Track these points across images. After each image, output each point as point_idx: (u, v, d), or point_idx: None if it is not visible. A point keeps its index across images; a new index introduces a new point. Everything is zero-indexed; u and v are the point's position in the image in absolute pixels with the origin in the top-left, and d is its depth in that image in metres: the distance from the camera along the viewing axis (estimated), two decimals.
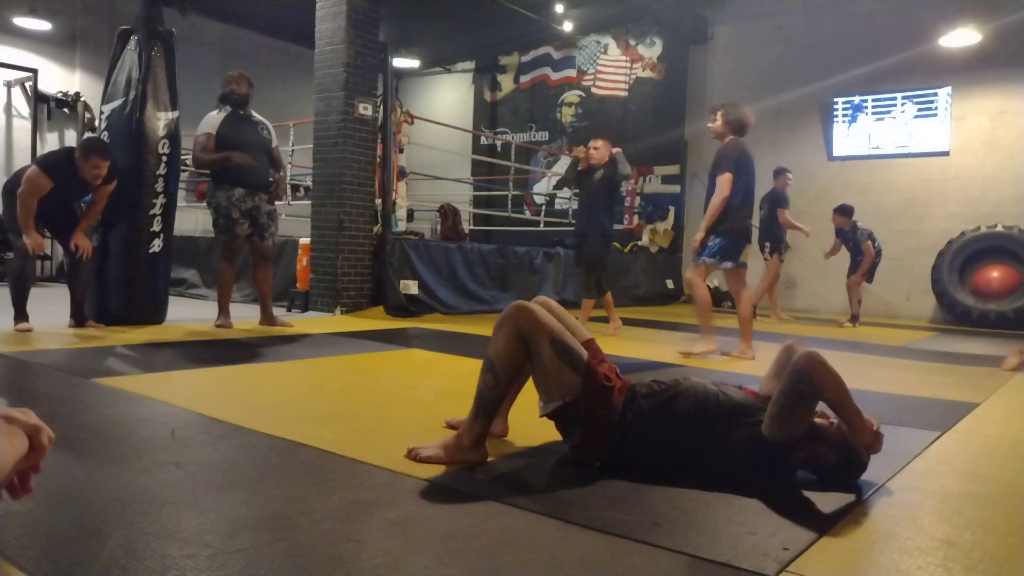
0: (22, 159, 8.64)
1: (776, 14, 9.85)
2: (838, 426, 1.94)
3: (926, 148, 8.92)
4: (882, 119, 9.18)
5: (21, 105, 9.30)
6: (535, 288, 7.58)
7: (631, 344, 5.18)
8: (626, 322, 6.44)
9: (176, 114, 5.12)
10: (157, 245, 5.03)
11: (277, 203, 5.41)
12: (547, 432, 2.20)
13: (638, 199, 11.16)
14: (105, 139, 4.93)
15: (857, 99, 9.27)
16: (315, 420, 2.54)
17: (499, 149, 12.34)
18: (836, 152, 9.48)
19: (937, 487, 2.08)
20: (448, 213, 8.54)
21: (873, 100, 9.20)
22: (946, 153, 8.82)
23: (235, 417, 2.47)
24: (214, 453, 2.11)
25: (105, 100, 5.18)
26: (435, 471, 1.97)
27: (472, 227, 10.91)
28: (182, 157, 5.60)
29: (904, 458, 2.28)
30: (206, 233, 7.16)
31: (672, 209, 10.92)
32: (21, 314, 4.45)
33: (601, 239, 5.89)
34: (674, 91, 10.89)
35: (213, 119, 5.00)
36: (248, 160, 4.95)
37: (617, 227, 10.33)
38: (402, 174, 7.58)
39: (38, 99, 9.26)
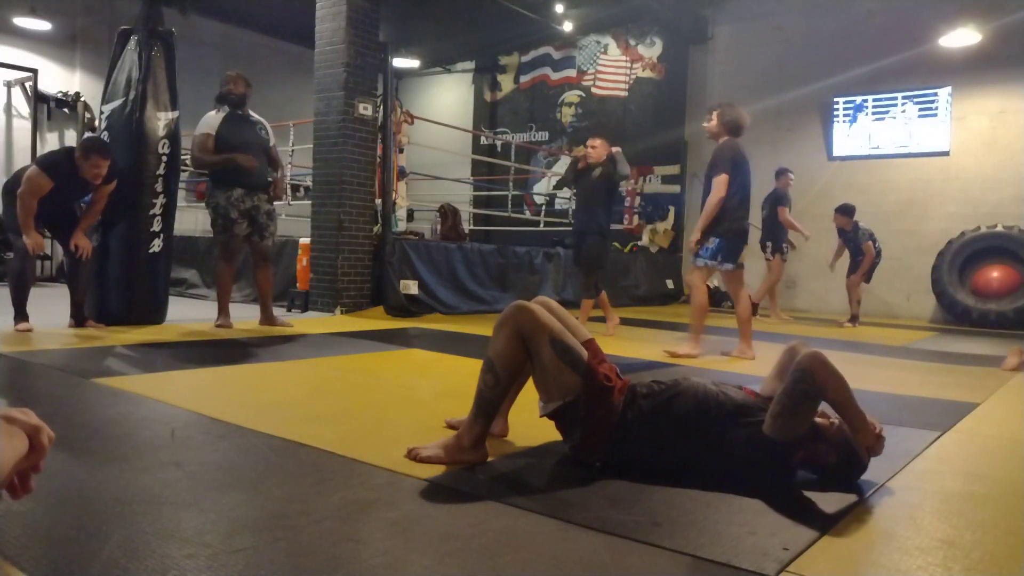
0: (22, 159, 8.64)
1: (776, 14, 9.85)
2: (839, 426, 1.94)
3: (926, 148, 8.92)
4: (882, 119, 9.18)
5: (21, 105, 9.30)
6: (535, 288, 7.58)
7: (631, 344, 5.17)
8: (626, 322, 6.44)
9: (176, 114, 5.12)
10: (157, 245, 5.03)
11: (277, 203, 5.41)
12: (547, 432, 2.20)
13: (638, 199, 11.16)
14: (105, 139, 4.93)
15: (858, 99, 9.27)
16: (315, 420, 2.54)
17: (499, 149, 12.34)
18: (836, 152, 9.49)
19: (937, 487, 2.08)
20: (448, 213, 8.54)
21: (873, 100, 9.20)
22: (946, 153, 8.83)
23: (235, 417, 2.47)
24: (214, 453, 2.11)
25: (105, 100, 5.18)
26: (435, 471, 1.97)
27: (472, 227, 10.91)
28: (182, 157, 5.60)
29: (904, 458, 2.28)
30: (206, 233, 7.16)
31: (672, 209, 10.92)
32: (21, 314, 4.45)
33: (599, 238, 5.89)
34: (674, 91, 10.89)
35: (212, 119, 5.00)
36: (252, 162, 4.96)
37: (617, 227, 10.38)
38: (402, 174, 7.58)
39: (38, 99, 9.26)
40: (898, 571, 1.47)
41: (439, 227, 8.78)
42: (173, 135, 5.08)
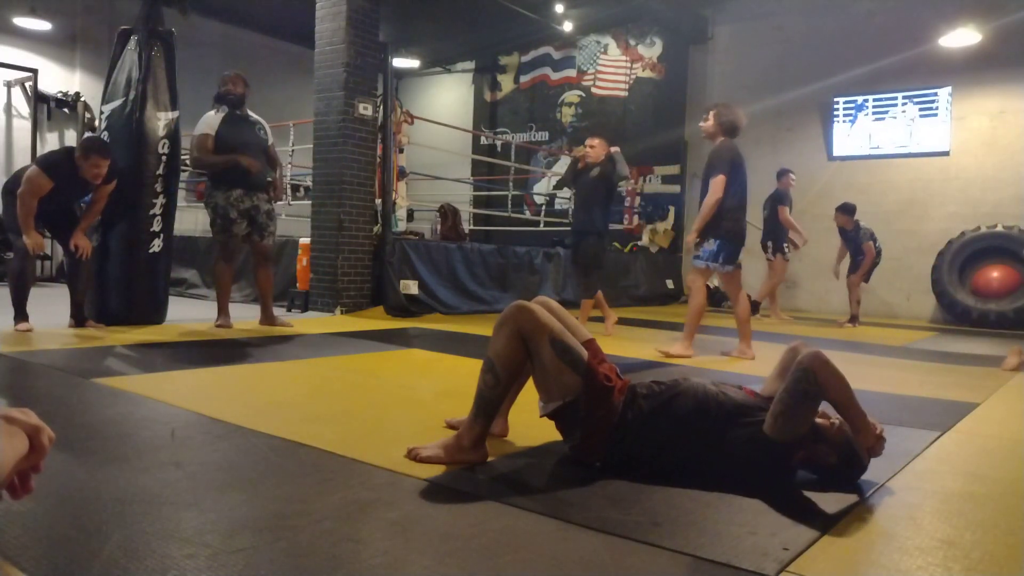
0: (22, 159, 8.64)
1: (776, 14, 9.85)
2: (839, 426, 1.94)
3: (926, 148, 8.92)
4: (882, 119, 9.18)
5: (21, 105, 9.30)
6: (535, 288, 7.58)
7: (630, 344, 5.17)
8: (625, 322, 6.44)
9: (176, 114, 5.12)
10: (157, 245, 5.03)
11: (277, 203, 5.41)
12: (547, 432, 2.20)
13: (638, 199, 11.16)
14: (105, 139, 4.93)
15: (858, 99, 9.27)
16: (315, 420, 2.54)
17: (499, 149, 12.33)
18: (836, 152, 9.48)
19: (937, 487, 2.08)
20: (448, 213, 8.54)
21: (873, 100, 9.20)
22: (946, 153, 8.83)
23: (235, 417, 2.47)
24: (214, 453, 2.11)
25: (105, 100, 5.18)
26: (435, 471, 1.97)
27: (472, 227, 10.91)
28: (182, 157, 5.60)
29: (904, 458, 2.28)
30: (206, 233, 7.16)
31: (672, 209, 10.92)
32: (21, 314, 4.45)
33: (596, 239, 5.88)
34: (674, 91, 10.89)
35: (211, 119, 5.00)
36: (255, 164, 4.96)
37: (617, 227, 10.38)
38: (402, 174, 7.58)
39: (38, 99, 9.26)
40: (898, 571, 1.47)
41: (439, 227, 8.78)
42: (173, 135, 5.08)
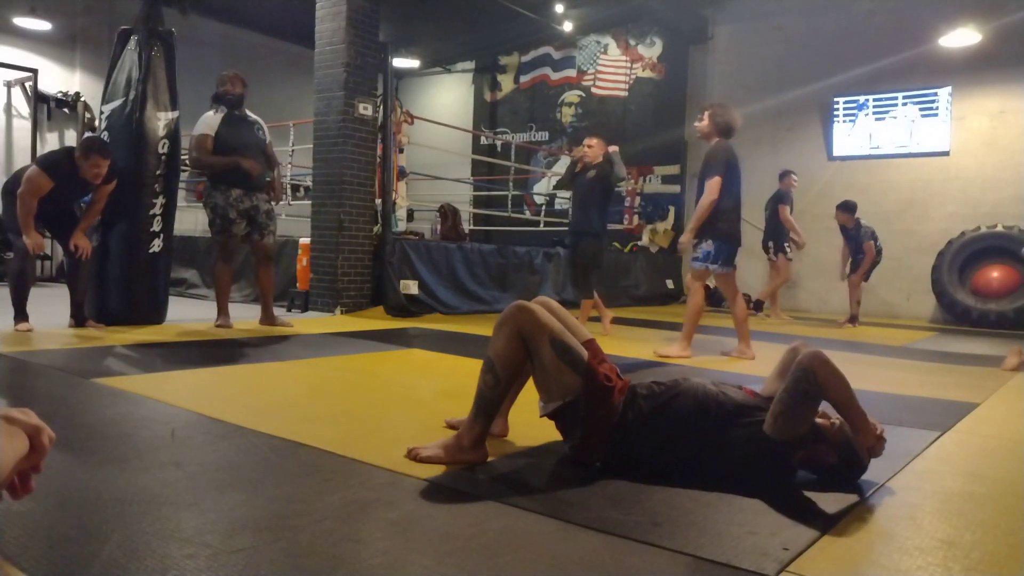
0: (22, 159, 8.64)
1: (776, 14, 9.85)
2: (839, 427, 1.94)
3: (926, 148, 8.92)
4: (882, 119, 9.18)
5: (21, 105, 9.30)
6: (535, 288, 7.58)
7: (629, 344, 5.17)
8: (625, 322, 6.45)
9: (176, 114, 5.12)
10: (157, 245, 5.03)
11: (276, 203, 5.40)
12: (547, 432, 2.20)
13: (638, 199, 11.16)
14: (105, 139, 4.93)
15: (858, 99, 9.27)
16: (315, 420, 2.54)
17: (499, 149, 12.34)
18: (836, 152, 9.49)
19: (937, 487, 2.08)
20: (448, 213, 8.54)
21: (873, 100, 9.20)
22: (946, 153, 8.83)
23: (235, 417, 2.47)
24: (214, 453, 2.11)
25: (105, 100, 5.17)
26: (435, 471, 1.97)
27: (472, 227, 10.91)
28: (182, 157, 5.60)
29: (904, 458, 2.28)
30: (206, 233, 7.16)
31: (672, 209, 10.93)
32: (21, 314, 4.45)
33: (594, 239, 5.88)
34: (674, 91, 10.89)
35: (211, 119, 5.00)
36: (257, 167, 4.96)
37: (617, 227, 10.37)
38: (402, 174, 7.58)
39: (38, 99, 9.26)
40: (898, 571, 1.47)
41: (439, 227, 8.78)
42: (173, 135, 5.08)
